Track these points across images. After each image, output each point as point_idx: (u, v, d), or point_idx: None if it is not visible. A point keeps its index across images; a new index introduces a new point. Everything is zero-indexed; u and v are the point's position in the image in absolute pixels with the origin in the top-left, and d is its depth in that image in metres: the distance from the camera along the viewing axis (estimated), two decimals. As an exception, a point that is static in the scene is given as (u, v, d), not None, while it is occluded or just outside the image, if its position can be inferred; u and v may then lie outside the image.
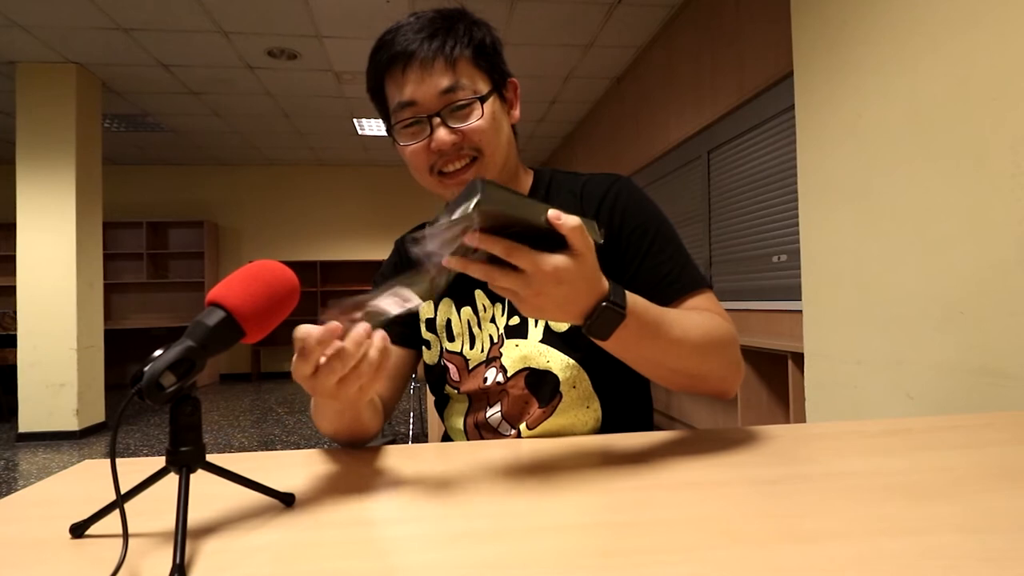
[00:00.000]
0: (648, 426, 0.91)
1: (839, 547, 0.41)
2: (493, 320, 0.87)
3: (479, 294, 0.88)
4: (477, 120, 0.78)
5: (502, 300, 0.86)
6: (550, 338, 0.83)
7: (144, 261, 7.22)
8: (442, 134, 0.77)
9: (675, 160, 4.05)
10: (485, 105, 0.78)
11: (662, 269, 0.80)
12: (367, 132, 6.16)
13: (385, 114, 0.84)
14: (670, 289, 0.79)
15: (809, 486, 0.54)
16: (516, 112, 0.86)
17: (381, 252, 7.64)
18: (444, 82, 0.76)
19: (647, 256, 0.81)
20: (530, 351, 0.83)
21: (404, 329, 0.92)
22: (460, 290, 0.89)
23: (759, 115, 3.05)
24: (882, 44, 1.72)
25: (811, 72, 2.04)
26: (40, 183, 4.38)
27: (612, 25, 3.93)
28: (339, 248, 7.76)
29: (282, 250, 7.63)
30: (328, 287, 7.56)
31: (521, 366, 0.83)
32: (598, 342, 0.61)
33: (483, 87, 0.79)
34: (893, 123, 1.69)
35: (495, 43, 0.82)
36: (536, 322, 0.84)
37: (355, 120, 5.80)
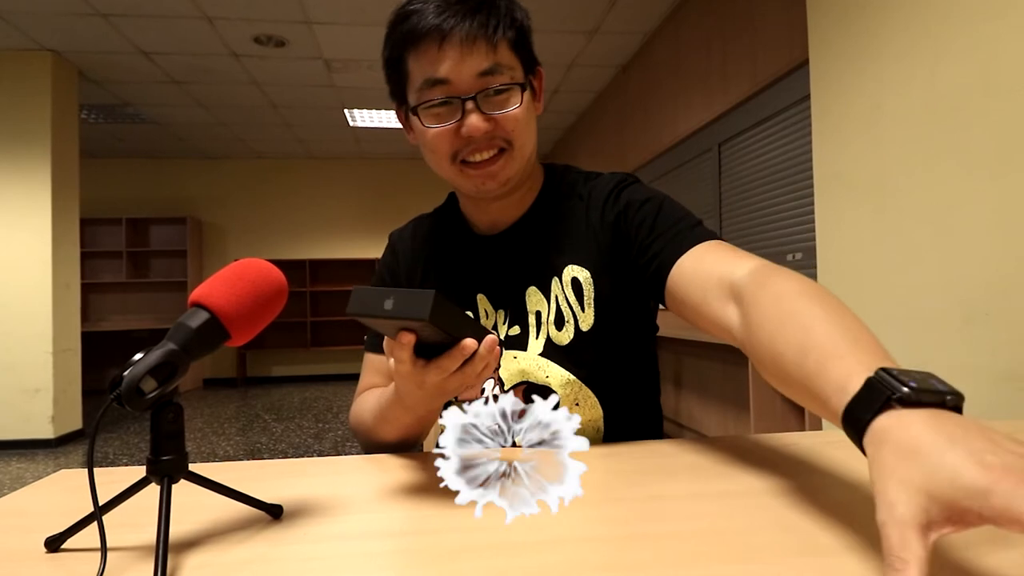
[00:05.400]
0: (658, 436, 0.91)
1: (857, 561, 0.41)
2: (495, 328, 0.86)
3: (481, 299, 0.87)
4: (514, 108, 0.76)
5: (504, 307, 0.86)
6: (551, 352, 0.82)
7: (123, 260, 7.21)
8: (475, 120, 0.74)
9: (684, 153, 4.05)
10: (524, 94, 0.77)
11: (673, 228, 0.77)
12: (359, 124, 6.16)
13: (399, 91, 0.81)
14: (683, 241, 0.75)
15: (825, 497, 0.54)
16: (540, 104, 0.85)
17: (374, 250, 7.64)
18: (484, 63, 0.73)
19: (656, 220, 0.79)
20: (528, 365, 0.82)
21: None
22: (461, 293, 0.88)
23: (773, 105, 3.05)
24: (902, 31, 1.73)
25: (828, 60, 2.04)
26: (13, 177, 4.38)
27: (618, 10, 3.93)
28: (329, 246, 7.76)
29: (269, 248, 7.63)
30: (318, 287, 7.57)
31: (519, 379, 0.83)
32: None
33: (519, 74, 0.78)
34: (913, 114, 1.69)
35: (530, 29, 0.81)
36: (537, 334, 0.83)
37: (347, 111, 5.80)
